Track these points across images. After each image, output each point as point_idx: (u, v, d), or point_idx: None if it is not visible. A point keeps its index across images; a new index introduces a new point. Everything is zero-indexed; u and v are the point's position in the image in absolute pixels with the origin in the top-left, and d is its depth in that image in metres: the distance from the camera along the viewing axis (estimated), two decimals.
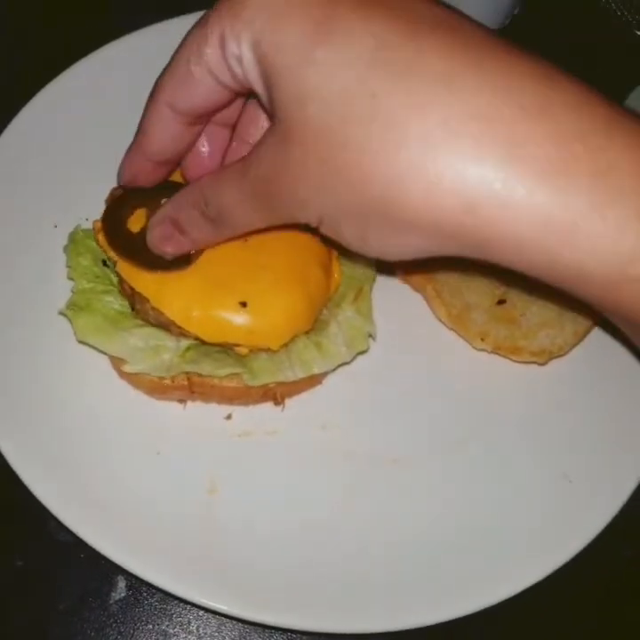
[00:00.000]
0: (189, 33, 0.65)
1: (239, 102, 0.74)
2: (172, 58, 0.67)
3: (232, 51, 0.59)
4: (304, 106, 0.53)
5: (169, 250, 0.78)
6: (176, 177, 0.90)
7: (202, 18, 0.64)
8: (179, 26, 1.12)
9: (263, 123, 0.75)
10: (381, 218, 0.55)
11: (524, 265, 0.54)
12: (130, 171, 0.78)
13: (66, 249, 0.91)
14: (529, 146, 0.50)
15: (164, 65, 1.10)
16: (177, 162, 0.78)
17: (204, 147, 0.77)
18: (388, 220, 0.55)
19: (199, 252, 0.83)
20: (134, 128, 1.05)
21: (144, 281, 0.84)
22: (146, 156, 0.75)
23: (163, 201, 0.84)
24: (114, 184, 0.92)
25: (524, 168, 0.50)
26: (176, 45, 1.10)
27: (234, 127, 0.77)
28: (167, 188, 0.86)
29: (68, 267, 0.90)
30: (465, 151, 0.50)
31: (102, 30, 1.13)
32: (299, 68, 0.53)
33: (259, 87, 0.59)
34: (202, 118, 0.71)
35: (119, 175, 0.79)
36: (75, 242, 0.91)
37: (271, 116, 0.59)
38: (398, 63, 0.51)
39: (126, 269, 0.84)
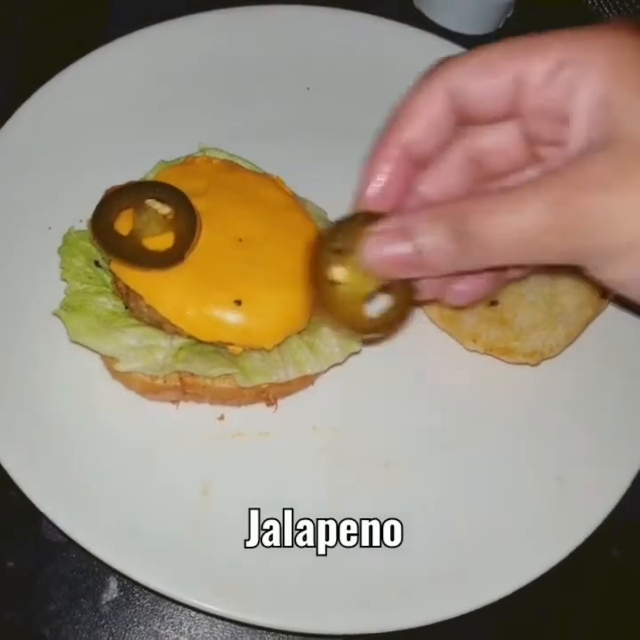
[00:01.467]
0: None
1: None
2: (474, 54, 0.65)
3: (568, 75, 0.60)
4: None
5: (400, 275, 0.67)
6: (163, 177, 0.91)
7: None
8: (176, 28, 1.14)
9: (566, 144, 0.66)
10: None
11: None
12: (378, 168, 0.69)
13: (59, 250, 0.91)
14: None
15: (161, 67, 1.11)
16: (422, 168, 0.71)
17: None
18: None
19: (192, 249, 0.84)
20: (130, 130, 1.07)
21: (138, 278, 0.84)
22: (400, 144, 0.67)
23: (147, 201, 0.85)
24: (107, 185, 0.93)
25: None
26: (173, 47, 1.12)
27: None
28: (150, 188, 0.87)
29: (62, 268, 0.90)
30: None
31: (98, 31, 1.14)
32: None
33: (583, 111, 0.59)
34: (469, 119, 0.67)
35: (362, 183, 0.70)
36: (68, 243, 0.91)
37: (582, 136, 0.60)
38: None
39: (120, 267, 0.85)
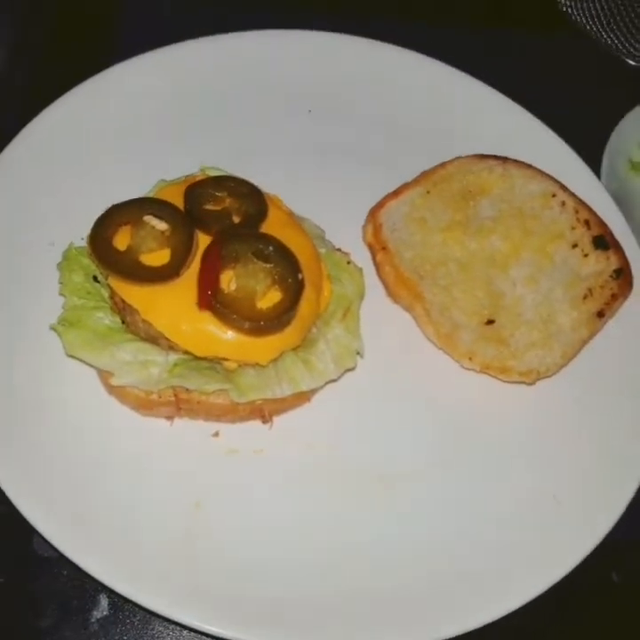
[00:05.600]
0: None
1: None
2: None
3: None
4: None
5: None
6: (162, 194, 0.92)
7: None
8: (180, 52, 1.16)
9: None
10: None
11: None
12: None
13: (59, 266, 0.92)
14: None
15: (165, 90, 1.14)
16: None
17: None
18: None
19: (188, 266, 0.85)
20: (133, 151, 1.09)
21: (135, 293, 0.84)
22: None
23: (145, 217, 0.86)
24: (109, 204, 0.94)
25: None
26: (176, 70, 1.14)
27: None
28: (149, 205, 0.88)
29: (60, 283, 0.91)
30: None
31: (106, 53, 1.16)
32: None
33: None
34: None
35: None
36: (68, 259, 0.92)
37: None
38: None
39: (118, 282, 0.85)
